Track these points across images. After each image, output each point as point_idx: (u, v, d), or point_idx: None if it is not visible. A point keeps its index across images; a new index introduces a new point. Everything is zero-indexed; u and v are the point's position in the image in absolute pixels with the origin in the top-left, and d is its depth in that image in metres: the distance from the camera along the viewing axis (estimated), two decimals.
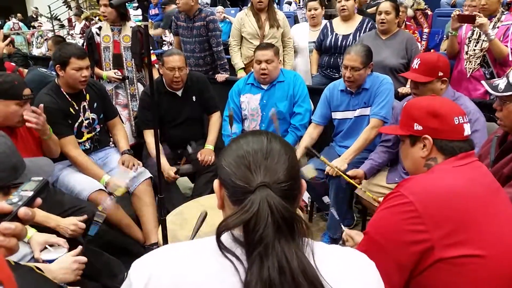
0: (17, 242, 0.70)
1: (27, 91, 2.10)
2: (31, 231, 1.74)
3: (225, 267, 0.73)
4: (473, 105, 2.18)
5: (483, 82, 1.75)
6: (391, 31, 3.22)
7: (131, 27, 3.33)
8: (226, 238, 0.76)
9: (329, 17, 4.94)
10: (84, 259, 1.58)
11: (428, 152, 1.26)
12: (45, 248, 1.69)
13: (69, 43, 2.85)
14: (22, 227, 0.70)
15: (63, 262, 1.54)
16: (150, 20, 7.48)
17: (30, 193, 0.74)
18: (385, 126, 1.52)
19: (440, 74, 2.13)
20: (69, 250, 1.69)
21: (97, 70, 3.32)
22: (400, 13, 3.45)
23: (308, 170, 2.34)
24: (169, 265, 0.77)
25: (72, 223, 1.98)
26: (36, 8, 10.31)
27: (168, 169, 2.78)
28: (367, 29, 3.49)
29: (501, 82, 1.61)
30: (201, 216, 1.81)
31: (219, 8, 7.28)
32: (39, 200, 0.75)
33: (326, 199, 2.12)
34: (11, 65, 4.20)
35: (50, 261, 1.60)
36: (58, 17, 12.12)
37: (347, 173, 2.42)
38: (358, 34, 3.48)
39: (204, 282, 0.73)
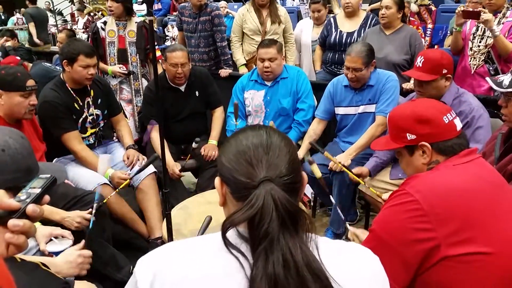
0: (25, 239, 0.69)
1: (30, 82, 2.11)
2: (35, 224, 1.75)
3: (231, 264, 0.73)
4: (476, 101, 2.18)
5: (487, 78, 1.74)
6: (394, 26, 3.21)
7: (136, 22, 3.34)
8: (231, 234, 0.76)
9: (331, 13, 4.92)
10: (89, 253, 1.59)
11: (429, 158, 1.26)
12: (50, 240, 1.70)
13: (79, 39, 2.85)
14: (31, 224, 0.69)
15: (68, 256, 1.54)
16: (154, 16, 7.48)
17: (38, 190, 0.74)
18: (376, 141, 1.51)
19: (444, 71, 2.11)
20: (74, 243, 1.70)
21: (102, 65, 3.33)
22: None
23: (315, 170, 2.32)
24: (175, 262, 0.77)
25: (78, 216, 1.97)
26: (52, 2, 10.29)
27: (173, 166, 2.78)
28: (371, 25, 3.47)
29: (506, 78, 1.61)
30: (205, 221, 1.81)
31: (222, 3, 7.24)
32: (47, 197, 0.75)
33: (332, 199, 2.12)
34: (16, 59, 4.20)
35: (56, 253, 1.61)
36: (61, 12, 12.10)
37: (353, 170, 2.42)
38: (362, 30, 3.47)
39: (210, 278, 0.73)
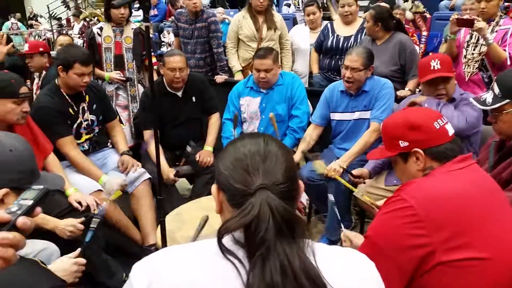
0: (14, 252, 0.67)
1: (24, 89, 2.10)
2: None
3: (227, 270, 0.73)
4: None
5: (471, 99, 1.77)
6: (379, 37, 3.22)
7: (132, 28, 3.34)
8: (227, 240, 0.76)
9: (327, 19, 4.95)
10: (83, 261, 1.58)
11: (423, 164, 1.27)
12: None
13: (76, 46, 2.84)
14: (21, 237, 0.68)
15: (63, 263, 1.54)
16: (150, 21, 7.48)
17: (30, 202, 0.72)
18: (372, 151, 1.58)
19: (454, 70, 2.35)
20: (68, 251, 1.69)
21: (98, 71, 3.31)
22: (399, 15, 3.46)
23: (320, 165, 2.40)
24: (171, 268, 0.76)
25: (70, 224, 1.96)
26: (47, 7, 10.20)
27: (168, 172, 2.77)
28: None
29: (488, 96, 1.64)
30: (202, 220, 1.80)
31: (220, 9, 7.29)
32: (39, 209, 0.73)
33: (330, 197, 2.17)
34: (44, 43, 4.11)
35: None
36: (58, 17, 12.09)
37: (353, 172, 2.44)
38: (359, 35, 3.49)
39: (206, 285, 0.73)
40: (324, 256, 0.77)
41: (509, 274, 1.09)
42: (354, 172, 2.45)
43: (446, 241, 1.06)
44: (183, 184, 3.40)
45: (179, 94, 2.98)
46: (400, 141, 1.30)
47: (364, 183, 2.48)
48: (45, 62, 3.70)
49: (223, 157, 0.84)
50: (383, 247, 1.12)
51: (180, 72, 2.83)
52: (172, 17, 5.02)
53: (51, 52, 3.92)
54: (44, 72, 3.71)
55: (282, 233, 0.73)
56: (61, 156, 2.51)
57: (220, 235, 0.75)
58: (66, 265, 1.53)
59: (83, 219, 2.03)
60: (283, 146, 0.86)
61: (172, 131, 2.99)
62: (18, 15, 12.97)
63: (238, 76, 3.81)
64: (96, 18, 8.88)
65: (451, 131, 1.28)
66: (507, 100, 1.57)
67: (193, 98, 3.01)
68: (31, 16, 12.55)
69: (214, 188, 0.86)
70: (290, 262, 0.71)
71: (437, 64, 2.29)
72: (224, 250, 0.74)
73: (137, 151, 3.09)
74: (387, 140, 1.39)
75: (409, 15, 5.28)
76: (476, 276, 1.07)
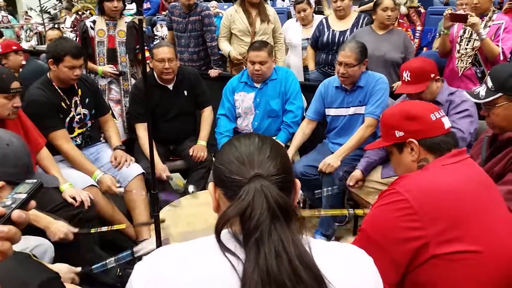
0: (10, 246, 0.67)
1: (15, 85, 2.08)
2: None
3: (225, 267, 0.73)
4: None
5: (464, 93, 1.78)
6: (389, 27, 3.31)
7: (125, 22, 3.31)
8: (226, 237, 0.77)
9: (320, 13, 4.93)
10: (77, 280, 1.59)
11: (417, 155, 1.28)
12: None
13: (67, 39, 2.81)
14: (16, 230, 0.68)
15: (61, 270, 1.53)
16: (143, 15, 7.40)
17: (24, 196, 0.72)
18: (370, 144, 1.62)
19: (432, 75, 2.19)
20: (61, 248, 1.69)
21: (91, 64, 3.29)
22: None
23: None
24: (170, 268, 0.77)
25: (63, 231, 1.91)
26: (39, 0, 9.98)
27: (161, 169, 2.73)
28: (363, 25, 3.51)
29: (481, 90, 1.65)
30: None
31: (213, 3, 7.24)
32: (33, 203, 0.74)
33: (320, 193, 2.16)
34: (16, 43, 4.12)
35: None
36: (49, 10, 11.94)
37: (349, 183, 2.44)
38: (354, 29, 3.50)
39: (204, 283, 0.73)
40: (321, 251, 0.78)
41: (501, 267, 1.10)
42: (350, 182, 2.44)
43: (440, 234, 1.07)
44: (177, 179, 3.39)
45: (170, 87, 2.95)
46: (396, 131, 1.32)
47: (363, 181, 2.48)
48: (21, 60, 3.72)
49: (220, 155, 0.87)
50: (378, 240, 1.12)
51: (170, 62, 2.80)
52: (166, 11, 4.98)
53: (42, 46, 3.91)
54: (20, 70, 3.70)
55: (276, 218, 0.74)
56: (54, 151, 2.49)
57: (218, 227, 0.76)
58: (64, 270, 1.54)
59: (77, 229, 1.98)
60: (277, 143, 0.89)
61: (164, 124, 2.96)
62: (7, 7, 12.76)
63: (233, 54, 3.76)
64: (88, 11, 8.79)
65: (447, 124, 1.29)
66: (500, 94, 1.58)
67: (185, 92, 2.99)
68: (3, 8, 12.16)
69: (211, 185, 0.88)
70: (285, 246, 0.72)
71: (407, 76, 2.18)
72: (222, 246, 0.75)
73: (130, 145, 3.07)
74: (383, 130, 1.40)
75: (403, 9, 5.26)
76: (468, 269, 1.08)
